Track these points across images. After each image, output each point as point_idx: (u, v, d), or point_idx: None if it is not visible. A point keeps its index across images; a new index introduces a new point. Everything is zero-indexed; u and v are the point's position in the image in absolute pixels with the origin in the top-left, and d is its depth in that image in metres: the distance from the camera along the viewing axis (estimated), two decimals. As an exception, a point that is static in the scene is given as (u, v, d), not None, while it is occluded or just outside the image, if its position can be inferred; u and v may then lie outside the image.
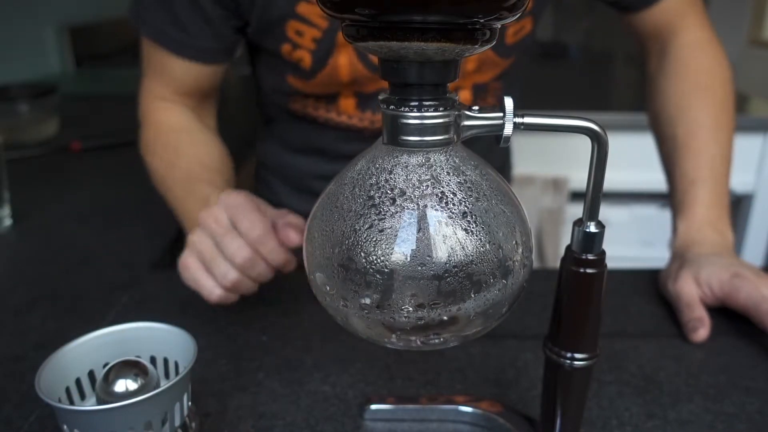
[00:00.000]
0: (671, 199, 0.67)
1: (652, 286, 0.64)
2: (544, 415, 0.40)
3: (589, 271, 0.34)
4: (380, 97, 0.30)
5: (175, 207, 0.67)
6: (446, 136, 0.30)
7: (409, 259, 0.29)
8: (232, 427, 0.44)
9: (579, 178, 1.54)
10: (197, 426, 0.43)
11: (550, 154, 1.53)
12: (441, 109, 0.29)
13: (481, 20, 0.26)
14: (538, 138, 1.50)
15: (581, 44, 2.44)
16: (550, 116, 0.31)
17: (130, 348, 0.43)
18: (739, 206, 1.57)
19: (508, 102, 0.31)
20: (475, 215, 0.30)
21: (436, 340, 0.32)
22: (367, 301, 0.30)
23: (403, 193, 0.30)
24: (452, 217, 0.30)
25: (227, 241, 0.49)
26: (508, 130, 0.31)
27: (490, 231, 0.30)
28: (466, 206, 0.30)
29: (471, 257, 0.29)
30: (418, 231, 0.29)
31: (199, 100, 0.74)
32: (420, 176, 0.30)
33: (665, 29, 0.72)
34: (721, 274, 0.55)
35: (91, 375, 0.42)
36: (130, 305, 0.61)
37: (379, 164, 0.31)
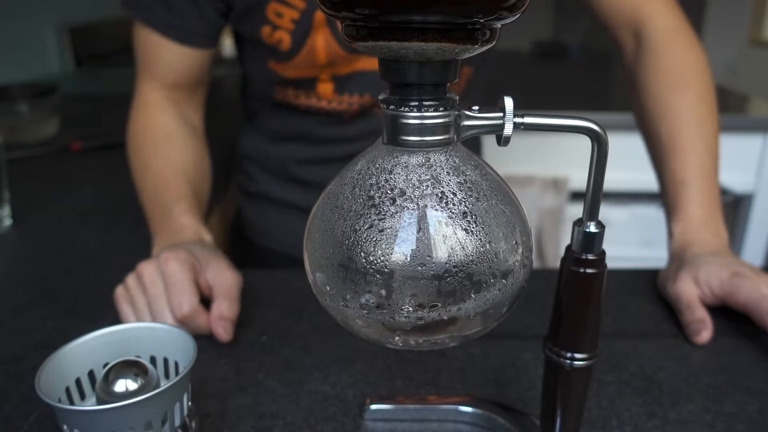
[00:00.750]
0: (663, 200, 0.67)
1: (652, 286, 0.64)
2: (544, 415, 0.40)
3: (589, 271, 0.34)
4: (380, 97, 0.30)
5: (144, 210, 0.69)
6: (446, 136, 0.30)
7: (409, 259, 0.29)
8: (232, 427, 0.44)
9: (579, 178, 1.54)
10: (197, 426, 0.43)
11: (550, 154, 1.53)
12: (441, 109, 0.29)
13: (481, 20, 0.26)
14: (538, 138, 1.50)
15: (581, 44, 2.44)
16: (550, 116, 0.31)
17: (130, 348, 0.43)
18: (738, 206, 1.57)
19: (508, 102, 0.31)
20: (475, 215, 0.30)
21: (436, 340, 0.32)
22: (367, 301, 0.30)
23: (403, 193, 0.30)
24: (452, 217, 0.30)
25: (156, 307, 0.52)
26: (508, 130, 0.31)
27: (490, 231, 0.30)
28: (466, 206, 0.30)
29: (471, 257, 0.29)
30: (418, 231, 0.29)
31: (187, 92, 0.76)
32: (420, 176, 0.30)
33: (631, 16, 0.72)
34: (720, 273, 0.55)
35: (91, 375, 0.42)
36: (130, 305, 0.61)
37: (379, 164, 0.31)
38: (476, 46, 0.27)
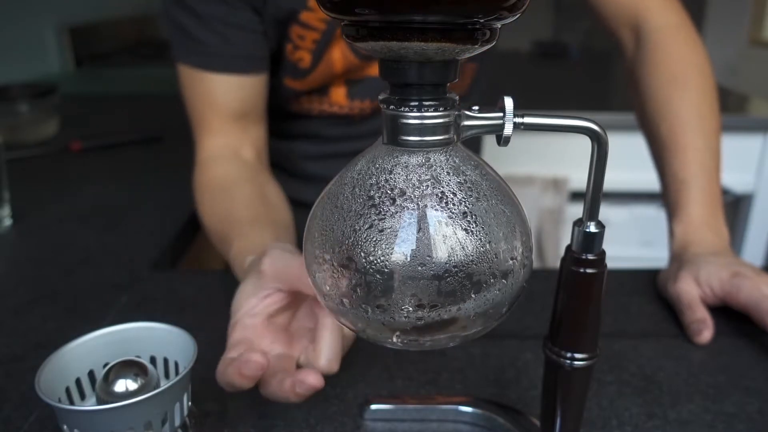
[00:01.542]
0: (664, 200, 0.67)
1: (652, 286, 0.64)
2: (544, 415, 0.40)
3: (589, 271, 0.34)
4: (380, 97, 0.30)
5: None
6: (446, 136, 0.30)
7: (409, 259, 0.29)
8: (232, 427, 0.44)
9: (579, 178, 1.54)
10: (197, 426, 0.43)
11: (550, 154, 1.53)
12: (441, 109, 0.29)
13: (481, 20, 0.26)
14: (538, 138, 1.50)
15: (581, 44, 2.44)
16: (550, 116, 0.31)
17: (130, 348, 0.43)
18: (739, 206, 1.57)
19: (508, 102, 0.31)
20: (475, 215, 0.30)
21: (436, 340, 0.32)
22: (367, 300, 0.30)
23: (403, 193, 0.30)
24: (452, 217, 0.29)
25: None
26: (508, 130, 0.31)
27: (490, 231, 0.30)
28: (466, 206, 0.30)
29: (471, 257, 0.29)
30: (418, 231, 0.29)
31: (244, 124, 0.73)
32: (420, 176, 0.30)
33: (631, 12, 0.71)
34: (721, 273, 0.55)
35: (91, 375, 0.42)
36: (130, 305, 0.61)
37: (379, 164, 0.31)
38: (476, 46, 0.27)
